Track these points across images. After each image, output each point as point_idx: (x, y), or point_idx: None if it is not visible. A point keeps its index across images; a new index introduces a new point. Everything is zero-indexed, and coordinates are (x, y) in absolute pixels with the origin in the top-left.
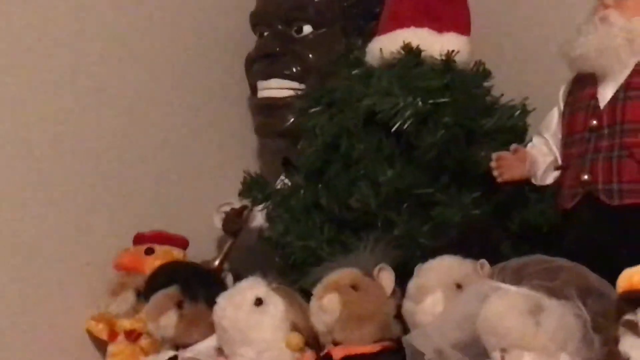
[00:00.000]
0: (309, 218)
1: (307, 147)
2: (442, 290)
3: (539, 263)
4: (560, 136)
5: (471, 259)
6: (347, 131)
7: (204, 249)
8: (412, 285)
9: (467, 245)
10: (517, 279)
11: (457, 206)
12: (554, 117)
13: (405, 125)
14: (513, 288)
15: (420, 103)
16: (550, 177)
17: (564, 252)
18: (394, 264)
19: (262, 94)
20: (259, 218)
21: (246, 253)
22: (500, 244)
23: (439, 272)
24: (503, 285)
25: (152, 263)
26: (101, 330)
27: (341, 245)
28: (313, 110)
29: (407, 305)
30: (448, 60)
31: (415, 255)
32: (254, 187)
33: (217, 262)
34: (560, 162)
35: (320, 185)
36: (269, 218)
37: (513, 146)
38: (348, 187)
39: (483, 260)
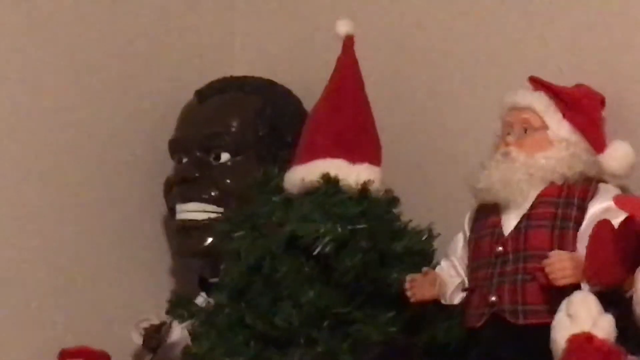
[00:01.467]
0: (235, 335)
1: (231, 268)
2: None
3: None
4: (466, 260)
5: None
6: (270, 254)
7: None
8: None
9: None
10: None
11: (374, 324)
12: (459, 242)
13: (326, 249)
14: None
15: (339, 229)
16: (458, 298)
17: None
18: None
19: (180, 216)
20: (177, 333)
21: None
22: None
23: None
24: None
25: None
26: None
27: None
28: (237, 234)
29: None
30: (364, 189)
31: None
32: (180, 305)
33: None
34: (467, 284)
35: (243, 304)
36: (194, 335)
37: (424, 269)
38: (271, 306)
39: None
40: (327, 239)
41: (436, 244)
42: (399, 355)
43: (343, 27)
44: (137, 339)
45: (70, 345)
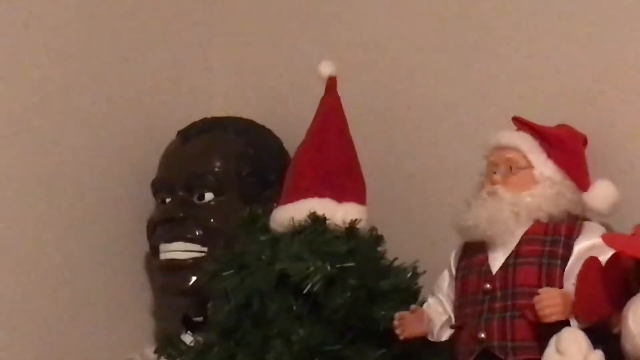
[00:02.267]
0: None
1: (220, 307)
2: None
3: None
4: (452, 297)
5: None
6: (259, 292)
7: None
8: None
9: None
10: None
11: None
12: (445, 280)
13: (315, 288)
14: None
15: (328, 267)
16: (446, 334)
17: None
18: None
19: (164, 255)
20: None
21: None
22: None
23: None
24: None
25: None
26: None
27: None
28: (226, 273)
29: None
30: (352, 227)
31: None
32: (169, 344)
33: None
34: (454, 320)
35: (232, 343)
36: None
37: (412, 307)
38: (262, 344)
39: None
40: (317, 277)
41: (421, 281)
42: None
43: (326, 69)
44: None
45: None
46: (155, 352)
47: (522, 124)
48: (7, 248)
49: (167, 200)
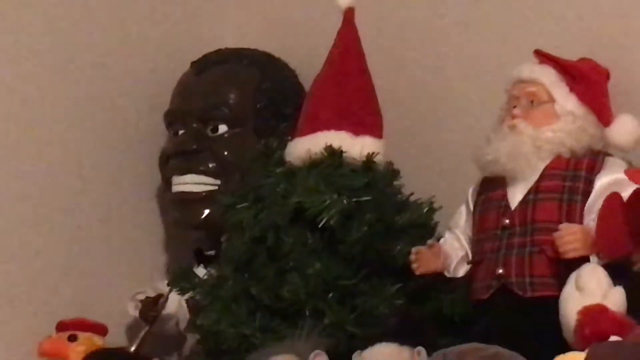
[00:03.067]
0: (240, 307)
1: (234, 241)
2: None
3: (476, 350)
4: (469, 232)
5: (407, 347)
6: (274, 226)
7: (120, 336)
8: None
9: (400, 334)
10: None
11: (381, 296)
12: (463, 215)
13: (331, 221)
14: None
15: (345, 201)
16: (462, 270)
17: (477, 340)
18: (327, 351)
19: (177, 188)
20: (173, 305)
21: (160, 339)
22: (432, 334)
23: (380, 358)
24: None
25: (75, 349)
26: None
27: (273, 332)
28: (240, 206)
29: None
30: (369, 161)
31: (344, 342)
32: (182, 278)
33: (133, 349)
34: (470, 256)
35: (247, 276)
36: (199, 307)
37: (429, 242)
38: (277, 278)
39: (420, 348)
40: (333, 211)
41: (438, 217)
42: (413, 328)
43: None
44: (133, 311)
45: (67, 317)
46: (167, 285)
47: (544, 58)
48: (24, 183)
49: (180, 132)
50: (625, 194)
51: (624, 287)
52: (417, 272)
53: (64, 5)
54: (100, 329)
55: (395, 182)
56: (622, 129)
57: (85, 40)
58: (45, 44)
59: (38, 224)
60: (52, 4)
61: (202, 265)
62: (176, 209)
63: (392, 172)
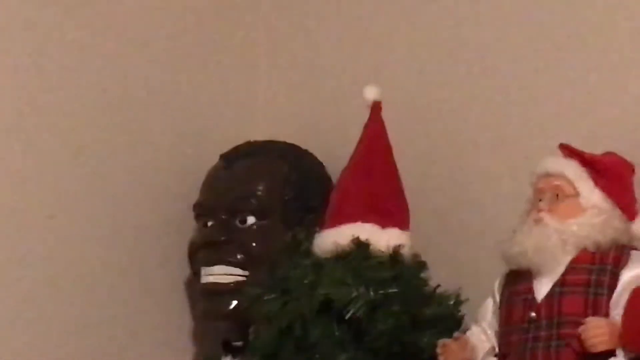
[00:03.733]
0: None
1: (262, 332)
2: None
3: None
4: (496, 325)
5: None
6: (301, 317)
7: None
8: None
9: None
10: None
11: None
12: (489, 308)
13: (358, 313)
14: None
15: (372, 293)
16: None
17: None
18: None
19: (206, 279)
20: None
21: None
22: None
23: None
24: None
25: None
26: None
27: None
28: (267, 297)
29: None
30: (396, 254)
31: None
32: None
33: None
34: (497, 349)
35: None
36: None
37: (455, 334)
38: None
39: None
40: (360, 303)
41: (465, 309)
42: None
43: (371, 93)
44: None
45: None
46: None
47: (569, 152)
48: (54, 275)
49: (209, 223)
50: None
51: None
52: None
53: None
54: None
55: (421, 275)
56: None
57: (120, 127)
58: (81, 124)
59: (68, 320)
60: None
61: (230, 356)
62: (205, 300)
63: (418, 264)
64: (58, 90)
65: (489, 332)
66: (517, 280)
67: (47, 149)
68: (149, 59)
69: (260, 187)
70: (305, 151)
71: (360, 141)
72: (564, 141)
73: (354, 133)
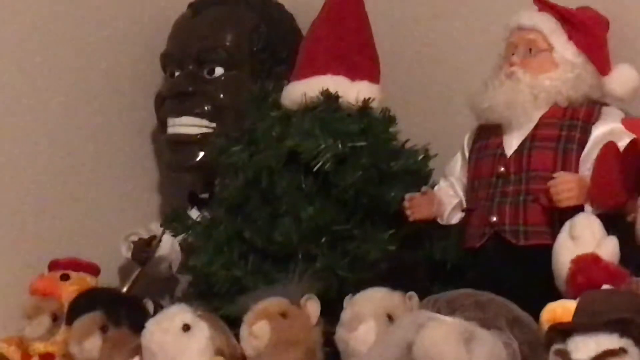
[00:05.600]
0: (232, 249)
1: (228, 183)
2: (375, 320)
3: (469, 296)
4: (464, 180)
5: (398, 292)
6: (268, 169)
7: (112, 276)
8: (345, 314)
9: (392, 278)
10: (450, 310)
11: (373, 242)
12: (458, 162)
13: (326, 166)
14: (448, 318)
15: (340, 145)
16: (456, 218)
17: (469, 287)
18: (317, 295)
19: (172, 130)
20: (166, 247)
21: (152, 280)
22: (424, 280)
23: (372, 302)
24: (439, 315)
25: (68, 289)
26: (13, 353)
27: (264, 275)
28: (234, 148)
29: (341, 333)
30: (365, 106)
31: (335, 286)
32: (175, 219)
33: (125, 289)
34: (465, 204)
35: (240, 219)
36: (191, 249)
37: (423, 188)
38: (270, 221)
39: (412, 293)
40: (327, 155)
41: (433, 164)
42: (405, 273)
43: None
44: (126, 252)
45: (60, 257)
46: (161, 226)
47: (544, 5)
48: (18, 122)
49: (177, 73)
50: (622, 143)
51: (618, 237)
52: (411, 219)
53: None
54: (93, 269)
55: (391, 129)
56: (620, 78)
57: None
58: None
59: (30, 165)
60: None
61: (196, 207)
62: (171, 151)
63: (388, 118)
64: None
65: (457, 186)
66: (487, 135)
67: None
68: None
69: (229, 38)
70: (275, 2)
71: None
72: None
73: None
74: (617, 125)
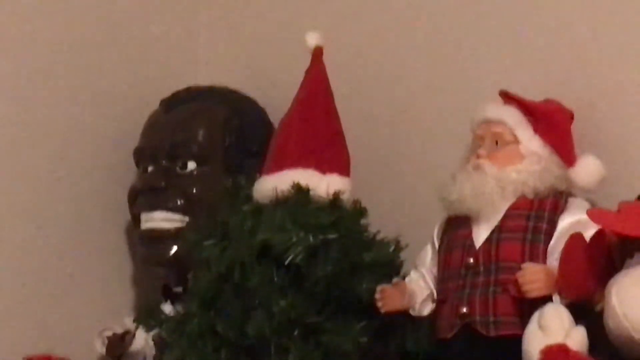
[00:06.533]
0: (205, 344)
1: (200, 277)
2: None
3: None
4: (434, 271)
5: None
6: (240, 263)
7: None
8: None
9: None
10: None
11: (346, 334)
12: (428, 253)
13: (297, 259)
14: None
15: (311, 238)
16: (427, 309)
17: None
18: None
19: (146, 225)
20: (140, 342)
21: None
22: None
23: None
24: None
25: None
26: None
27: None
28: (207, 242)
29: None
30: (335, 199)
31: None
32: (148, 314)
33: None
34: (435, 295)
35: (213, 313)
36: (165, 344)
37: (394, 280)
38: (242, 315)
39: None
40: (299, 248)
41: (404, 255)
42: None
43: (312, 39)
44: (100, 348)
45: (33, 352)
46: (134, 321)
47: (509, 98)
48: None
49: (150, 169)
50: (588, 234)
51: (586, 327)
52: (382, 310)
53: (37, 39)
54: None
55: (361, 221)
56: (585, 169)
57: (55, 75)
58: (17, 76)
59: (5, 255)
60: (23, 38)
61: (169, 301)
62: (144, 246)
63: (358, 210)
64: None
65: (428, 277)
66: (457, 226)
67: None
68: (89, 4)
69: (201, 132)
70: (247, 97)
71: (302, 87)
72: (504, 87)
73: (296, 79)
74: (583, 217)
